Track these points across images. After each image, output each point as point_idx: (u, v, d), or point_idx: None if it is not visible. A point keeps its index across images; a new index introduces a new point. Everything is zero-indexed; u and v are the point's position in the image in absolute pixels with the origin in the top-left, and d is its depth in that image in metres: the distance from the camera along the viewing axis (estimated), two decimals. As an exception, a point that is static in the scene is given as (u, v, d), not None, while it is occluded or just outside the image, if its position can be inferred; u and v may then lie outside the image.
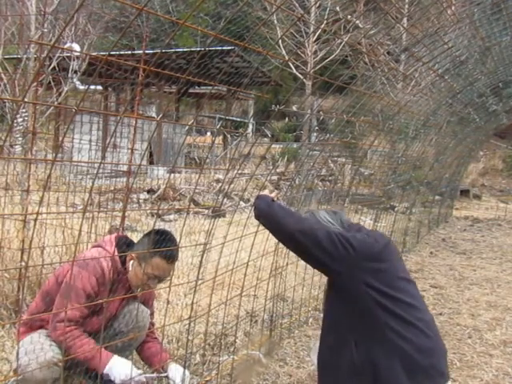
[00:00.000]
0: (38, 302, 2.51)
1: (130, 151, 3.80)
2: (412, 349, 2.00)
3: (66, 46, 4.88)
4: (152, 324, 2.77)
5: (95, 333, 2.44)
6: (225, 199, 8.77)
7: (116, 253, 2.44)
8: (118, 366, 2.29)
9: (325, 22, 15.48)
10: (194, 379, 2.92)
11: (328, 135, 4.34)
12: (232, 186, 3.36)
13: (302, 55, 16.47)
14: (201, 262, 2.63)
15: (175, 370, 2.51)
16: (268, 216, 2.27)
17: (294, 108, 16.72)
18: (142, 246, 2.43)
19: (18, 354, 2.23)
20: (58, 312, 2.28)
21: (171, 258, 2.41)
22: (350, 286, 2.08)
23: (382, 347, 2.00)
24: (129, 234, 2.67)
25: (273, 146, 15.94)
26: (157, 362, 2.61)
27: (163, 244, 2.35)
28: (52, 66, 4.41)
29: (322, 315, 2.39)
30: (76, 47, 5.22)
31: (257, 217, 2.36)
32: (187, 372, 2.56)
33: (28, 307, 2.89)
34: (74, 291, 2.29)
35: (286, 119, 25.83)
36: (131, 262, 2.44)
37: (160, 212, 8.65)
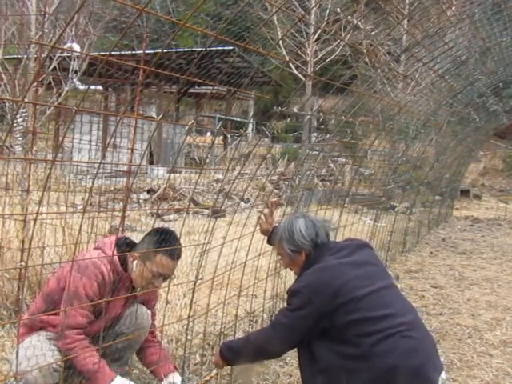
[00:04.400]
0: (39, 303, 2.50)
1: (129, 151, 3.80)
2: (399, 357, 2.03)
3: (66, 46, 4.88)
4: (153, 325, 2.77)
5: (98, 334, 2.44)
6: (225, 199, 8.76)
7: (116, 256, 2.44)
8: None
9: (325, 22, 15.49)
10: (194, 379, 2.92)
11: (328, 135, 4.34)
12: (232, 186, 3.36)
13: (303, 55, 16.46)
14: (200, 261, 2.63)
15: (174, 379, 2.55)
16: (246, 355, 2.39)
17: (295, 109, 16.73)
18: (144, 245, 2.43)
19: (17, 356, 2.22)
20: (65, 320, 2.28)
21: (175, 255, 2.42)
22: (334, 330, 2.15)
23: (370, 372, 2.05)
24: (129, 234, 2.68)
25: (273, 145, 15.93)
26: (161, 371, 2.60)
27: (166, 242, 2.35)
28: (52, 66, 4.41)
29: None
30: (76, 47, 5.21)
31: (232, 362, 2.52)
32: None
33: (28, 308, 2.88)
34: (77, 298, 2.29)
35: (288, 120, 25.83)
36: (135, 262, 2.44)
37: (160, 212, 8.65)
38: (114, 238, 2.56)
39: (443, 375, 2.12)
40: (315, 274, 2.24)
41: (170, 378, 2.56)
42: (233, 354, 2.42)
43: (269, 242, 2.77)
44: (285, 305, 4.02)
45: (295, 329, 2.23)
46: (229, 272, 2.93)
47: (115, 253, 2.43)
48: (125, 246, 2.51)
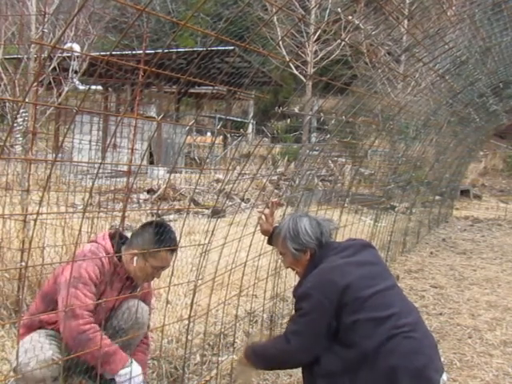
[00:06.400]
0: (38, 303, 2.51)
1: (130, 151, 3.81)
2: (401, 358, 2.03)
3: (66, 47, 4.88)
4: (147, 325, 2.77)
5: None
6: (224, 199, 8.77)
7: (110, 246, 2.47)
8: (134, 371, 2.29)
9: (325, 22, 15.49)
10: (194, 379, 2.92)
11: (328, 136, 4.34)
12: (232, 186, 3.36)
13: (303, 55, 16.47)
14: (200, 262, 2.63)
15: None
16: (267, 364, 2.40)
17: (295, 109, 16.72)
18: (142, 239, 2.44)
19: (17, 353, 2.23)
20: (74, 303, 2.25)
21: (174, 249, 2.45)
22: (339, 330, 2.14)
23: (373, 373, 2.04)
24: (129, 234, 2.68)
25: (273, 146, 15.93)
26: None
27: (165, 237, 2.37)
28: (52, 66, 4.42)
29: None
30: (76, 47, 5.22)
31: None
32: None
33: (28, 308, 2.88)
34: (81, 281, 2.30)
35: (288, 120, 25.82)
36: (135, 257, 2.45)
37: (160, 212, 8.65)
38: (107, 231, 2.60)
39: (444, 376, 2.12)
40: (322, 274, 2.22)
41: None
42: (256, 358, 2.36)
43: (269, 242, 2.77)
44: (285, 305, 4.04)
45: (310, 334, 2.15)
46: (229, 272, 2.93)
47: (109, 244, 2.46)
48: (118, 237, 2.53)
